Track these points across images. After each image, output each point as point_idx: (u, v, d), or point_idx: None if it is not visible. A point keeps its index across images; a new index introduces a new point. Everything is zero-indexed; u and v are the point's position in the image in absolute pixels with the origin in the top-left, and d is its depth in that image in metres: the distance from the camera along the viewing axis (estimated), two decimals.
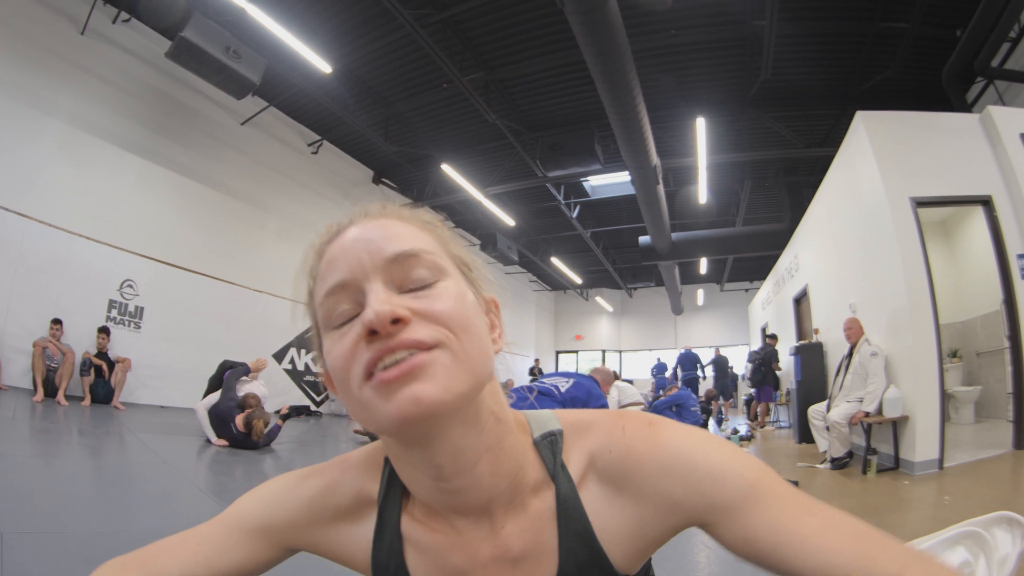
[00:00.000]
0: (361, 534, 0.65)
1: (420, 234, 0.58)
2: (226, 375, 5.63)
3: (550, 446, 0.62)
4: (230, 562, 0.63)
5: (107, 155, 7.24)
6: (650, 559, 0.68)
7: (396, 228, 0.57)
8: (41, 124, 6.57)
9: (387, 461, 0.65)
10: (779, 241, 10.13)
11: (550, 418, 0.65)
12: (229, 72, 6.72)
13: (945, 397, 4.69)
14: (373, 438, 2.11)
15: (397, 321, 0.50)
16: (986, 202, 4.99)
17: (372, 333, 0.50)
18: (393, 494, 0.64)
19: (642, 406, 8.69)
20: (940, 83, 6.56)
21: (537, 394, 2.99)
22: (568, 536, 0.59)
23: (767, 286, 12.07)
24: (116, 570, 0.60)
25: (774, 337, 10.31)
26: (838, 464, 5.08)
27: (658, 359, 16.63)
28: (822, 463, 5.27)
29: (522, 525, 0.59)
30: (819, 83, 7.66)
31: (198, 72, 6.85)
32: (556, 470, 0.60)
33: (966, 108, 6.50)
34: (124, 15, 7.42)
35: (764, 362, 10.02)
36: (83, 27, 7.02)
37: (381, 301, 0.50)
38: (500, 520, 0.60)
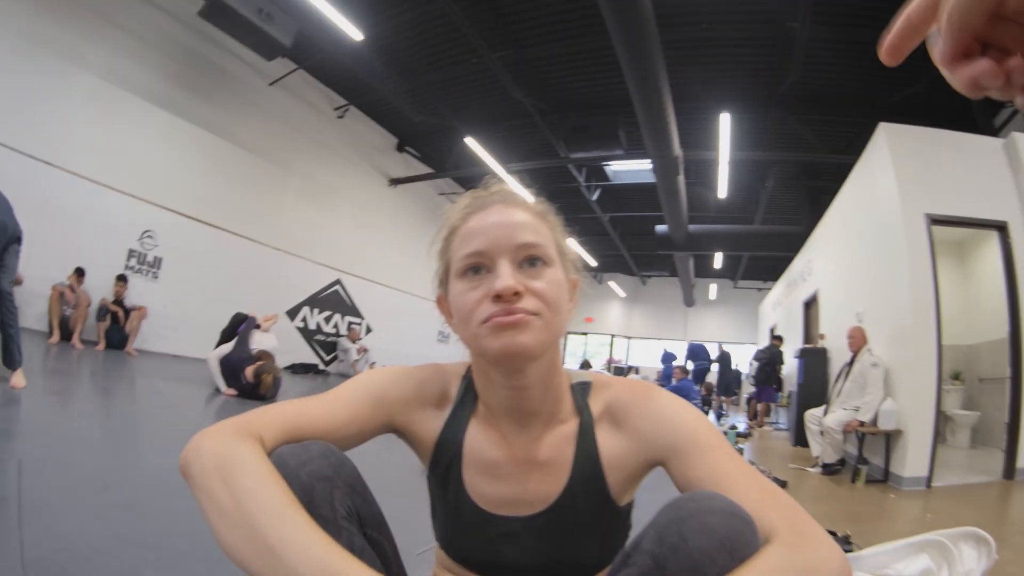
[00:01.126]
0: (437, 420, 0.87)
1: (539, 225, 0.80)
2: (240, 328, 5.78)
3: (582, 391, 0.86)
4: (354, 423, 0.80)
5: (135, 108, 7.33)
6: (633, 500, 0.88)
7: (524, 217, 0.79)
8: (71, 76, 6.67)
9: (467, 375, 0.89)
10: (795, 243, 10.06)
11: (585, 375, 0.90)
12: (260, 34, 6.73)
13: (941, 417, 4.71)
14: None
15: (516, 293, 0.72)
16: (1002, 228, 4.96)
17: (497, 297, 0.72)
18: (468, 398, 0.87)
19: None
20: (969, 103, 6.43)
21: None
22: (581, 455, 0.81)
23: (779, 287, 12.02)
24: (270, 415, 0.74)
25: (779, 339, 10.30)
26: (829, 470, 5.13)
27: (664, 349, 16.64)
28: (813, 467, 5.32)
29: (551, 439, 0.83)
30: (847, 90, 7.52)
31: (230, 32, 6.87)
32: (582, 407, 0.84)
33: (992, 132, 6.39)
34: None
35: (769, 362, 10.02)
36: None
37: (508, 276, 0.73)
38: (538, 431, 0.83)
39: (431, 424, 0.87)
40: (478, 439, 0.84)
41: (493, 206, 0.79)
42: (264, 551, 0.56)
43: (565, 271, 0.81)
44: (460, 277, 0.77)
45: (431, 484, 0.89)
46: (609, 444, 0.81)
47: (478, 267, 0.76)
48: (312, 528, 0.58)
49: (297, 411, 0.77)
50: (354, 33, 6.93)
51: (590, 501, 0.81)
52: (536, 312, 0.73)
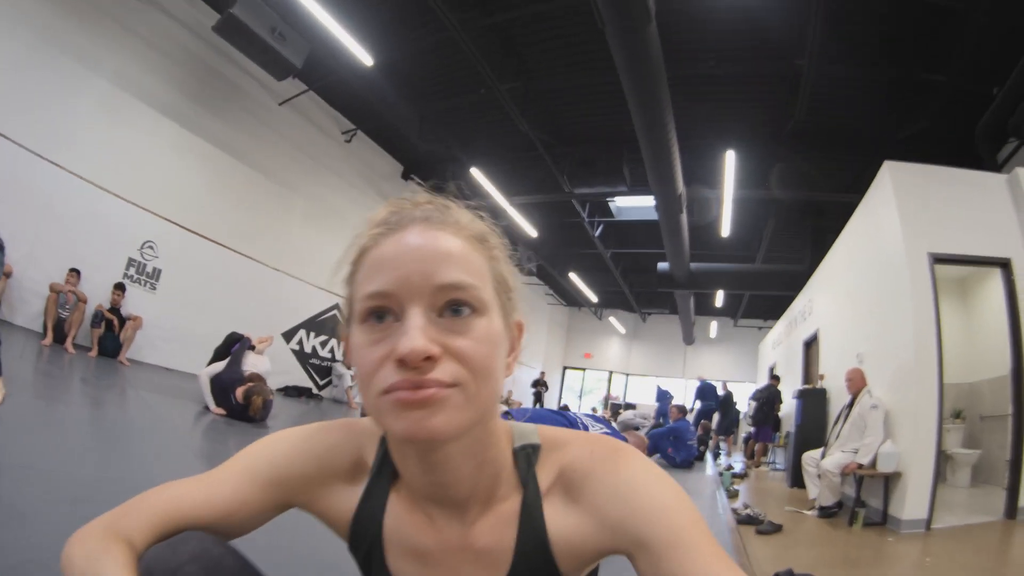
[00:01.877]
0: (350, 496, 0.71)
1: (472, 256, 0.61)
2: (234, 348, 5.72)
3: (526, 457, 0.69)
4: (242, 510, 0.68)
5: (145, 117, 7.38)
6: (597, 566, 0.75)
7: (450, 246, 0.59)
8: (84, 80, 6.72)
9: (384, 437, 0.72)
10: (797, 283, 10.04)
11: (531, 432, 0.71)
12: (273, 53, 6.82)
13: (942, 458, 4.62)
14: None
15: (428, 357, 0.54)
16: (1005, 264, 4.93)
17: (402, 361, 0.54)
18: (386, 467, 0.71)
19: (643, 430, 8.77)
20: (974, 139, 6.49)
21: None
22: (525, 539, 0.66)
23: (780, 326, 11.96)
24: (140, 510, 0.64)
25: (777, 378, 10.22)
26: (826, 513, 5.01)
27: (658, 387, 16.49)
28: (810, 510, 5.21)
29: (489, 523, 0.67)
30: (853, 128, 7.61)
31: (242, 49, 6.97)
32: (527, 479, 0.67)
33: (996, 167, 6.42)
34: None
35: (767, 402, 9.92)
36: None
37: (418, 336, 0.54)
38: (472, 516, 0.67)
39: (342, 502, 0.72)
40: (402, 521, 0.69)
41: (412, 226, 0.60)
42: None
43: (505, 316, 0.64)
44: (361, 323, 0.59)
45: (356, 562, 0.75)
46: (561, 524, 0.65)
47: (382, 313, 0.57)
48: None
49: (172, 500, 0.65)
50: (365, 58, 7.04)
51: None
52: (455, 383, 0.55)
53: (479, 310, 0.59)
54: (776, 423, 10.00)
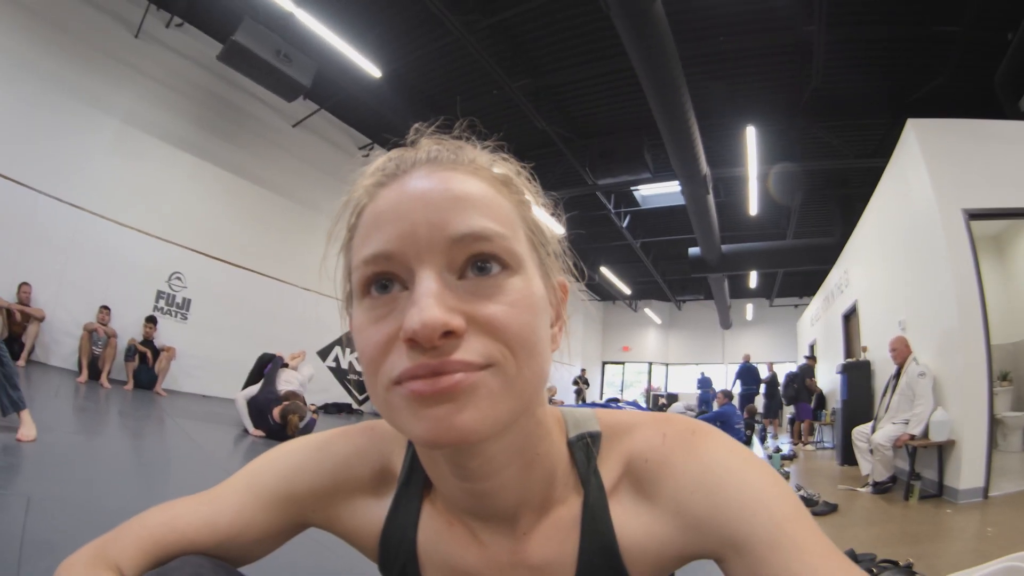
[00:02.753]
0: (377, 510, 0.61)
1: (496, 199, 0.48)
2: (267, 369, 5.79)
3: (585, 449, 0.57)
4: (248, 531, 0.59)
5: (160, 152, 7.55)
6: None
7: (468, 187, 0.47)
8: (97, 121, 6.90)
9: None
10: (830, 255, 9.78)
11: (589, 418, 0.59)
12: (279, 75, 6.88)
13: (994, 422, 4.42)
14: None
15: (448, 332, 0.41)
16: None
17: (413, 341, 0.41)
18: (416, 474, 0.60)
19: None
20: (993, 89, 6.22)
21: None
22: (590, 549, 0.54)
23: (816, 302, 11.67)
24: (132, 534, 0.57)
25: (813, 358, 10.08)
26: (880, 488, 4.84)
27: (702, 373, 16.22)
28: (864, 486, 5.05)
29: (546, 533, 0.55)
30: (870, 91, 7.37)
31: (249, 74, 7.04)
32: (588, 475, 0.55)
33: (1019, 116, 6.14)
34: (177, 20, 7.73)
35: (796, 378, 9.73)
36: (137, 30, 7.35)
37: (432, 304, 0.41)
38: (523, 526, 0.55)
39: (367, 518, 0.61)
40: (439, 536, 0.58)
41: (415, 169, 0.48)
42: None
43: (544, 274, 0.52)
44: (361, 298, 0.47)
45: None
46: (633, 527, 0.53)
47: (386, 281, 0.45)
48: None
49: (167, 522, 0.57)
50: (372, 71, 7.06)
51: None
52: (488, 363, 0.43)
53: (511, 266, 0.46)
54: (808, 397, 9.86)
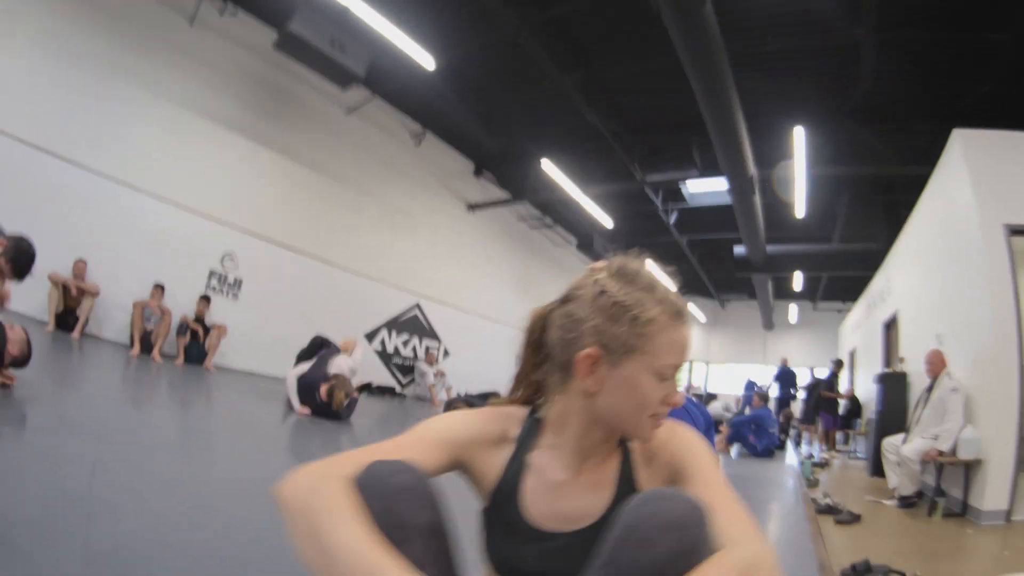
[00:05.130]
0: (499, 459, 0.98)
1: None
2: (321, 352, 6.00)
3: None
4: (423, 462, 0.85)
5: (214, 136, 7.81)
6: None
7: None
8: (152, 105, 7.19)
9: (528, 417, 1.02)
10: (873, 262, 9.56)
11: None
12: (334, 63, 6.95)
13: (1022, 443, 4.34)
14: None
15: None
16: None
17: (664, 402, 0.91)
18: (529, 438, 1.00)
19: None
20: None
21: None
22: (622, 481, 0.97)
23: (859, 308, 11.43)
24: (343, 462, 0.79)
25: (840, 363, 10.12)
26: (906, 503, 4.80)
27: (748, 378, 16.01)
28: (890, 499, 5.01)
29: (601, 469, 0.98)
30: (919, 97, 7.13)
31: (304, 62, 7.14)
32: (624, 447, 1.00)
33: None
34: (232, 8, 7.84)
35: (813, 389, 9.61)
36: (192, 18, 7.54)
37: (682, 395, 0.98)
38: (590, 464, 0.98)
39: (492, 463, 0.98)
40: (539, 467, 0.97)
41: (686, 323, 0.94)
42: (324, 553, 0.66)
43: None
44: (653, 373, 0.89)
45: (488, 510, 0.99)
46: (644, 475, 0.98)
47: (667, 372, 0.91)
48: (371, 539, 0.67)
49: (369, 454, 0.81)
50: (427, 62, 7.03)
51: None
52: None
53: None
54: (827, 406, 9.94)
